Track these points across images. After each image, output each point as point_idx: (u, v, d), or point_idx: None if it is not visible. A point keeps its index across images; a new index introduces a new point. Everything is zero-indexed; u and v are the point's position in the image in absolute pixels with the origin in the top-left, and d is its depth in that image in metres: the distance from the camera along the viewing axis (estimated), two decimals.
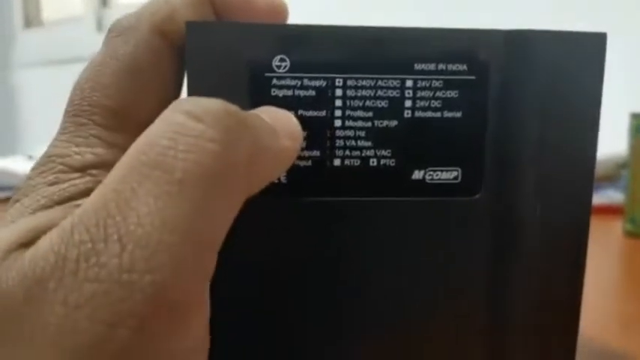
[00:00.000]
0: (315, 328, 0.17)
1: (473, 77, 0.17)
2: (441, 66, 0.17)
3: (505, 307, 0.18)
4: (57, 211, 0.14)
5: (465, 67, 0.17)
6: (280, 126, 0.15)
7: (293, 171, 0.16)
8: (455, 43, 0.17)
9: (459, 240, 0.17)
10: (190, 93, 0.16)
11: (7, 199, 0.60)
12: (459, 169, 0.17)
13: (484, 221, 0.17)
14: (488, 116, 0.17)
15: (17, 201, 0.14)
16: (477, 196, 0.17)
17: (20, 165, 0.83)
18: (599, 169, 0.53)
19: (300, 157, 0.16)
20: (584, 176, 0.17)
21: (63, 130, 0.16)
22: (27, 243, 0.12)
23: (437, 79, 0.17)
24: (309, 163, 0.17)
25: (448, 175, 0.17)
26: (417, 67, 0.17)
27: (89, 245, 0.12)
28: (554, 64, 0.16)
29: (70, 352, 0.11)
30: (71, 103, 0.16)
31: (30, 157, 0.91)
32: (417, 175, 0.17)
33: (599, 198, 0.50)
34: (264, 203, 0.16)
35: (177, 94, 0.17)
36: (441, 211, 0.17)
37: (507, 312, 0.18)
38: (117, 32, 0.16)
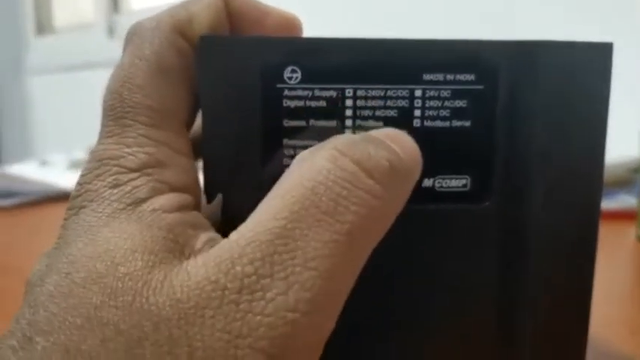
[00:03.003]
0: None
1: (481, 87, 0.17)
2: (450, 76, 0.17)
3: (514, 315, 0.18)
4: (138, 215, 0.14)
5: (472, 77, 0.17)
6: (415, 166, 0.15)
7: None
8: (463, 54, 0.17)
9: (468, 247, 0.17)
10: (203, 104, 0.16)
11: (19, 205, 0.60)
12: (468, 177, 0.17)
13: (493, 228, 0.17)
14: (497, 125, 0.17)
15: (83, 207, 0.14)
16: (486, 203, 0.17)
17: (33, 171, 0.83)
18: (612, 174, 0.53)
19: None
20: (593, 184, 0.17)
21: (108, 134, 0.15)
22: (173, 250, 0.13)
23: (445, 89, 0.17)
24: None
25: (457, 182, 0.17)
26: (426, 77, 0.17)
27: (254, 278, 0.12)
28: (562, 74, 0.17)
29: None
30: (110, 107, 0.16)
31: (43, 163, 0.92)
32: (427, 182, 0.17)
33: (612, 203, 0.50)
34: None
35: None
36: (451, 218, 0.17)
37: (517, 319, 0.18)
38: (139, 34, 0.17)
